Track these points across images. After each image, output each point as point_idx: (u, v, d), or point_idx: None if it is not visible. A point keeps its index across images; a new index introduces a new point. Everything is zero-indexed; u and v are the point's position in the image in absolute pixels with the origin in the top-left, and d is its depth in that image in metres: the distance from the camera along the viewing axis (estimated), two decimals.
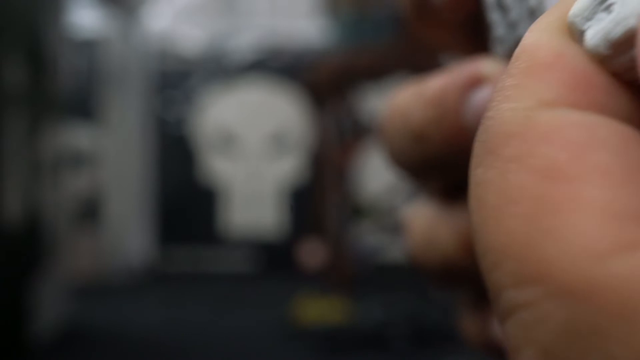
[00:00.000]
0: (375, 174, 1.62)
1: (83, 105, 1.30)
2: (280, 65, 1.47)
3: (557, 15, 0.16)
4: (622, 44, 0.15)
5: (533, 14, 0.19)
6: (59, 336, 0.80)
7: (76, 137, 1.25)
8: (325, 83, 1.35)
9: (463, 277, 0.21)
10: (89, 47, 1.31)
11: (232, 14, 1.54)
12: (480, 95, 0.20)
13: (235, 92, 1.44)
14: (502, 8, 0.20)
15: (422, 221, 0.23)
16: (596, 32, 0.15)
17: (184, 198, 1.43)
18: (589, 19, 0.15)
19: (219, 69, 1.44)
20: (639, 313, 0.11)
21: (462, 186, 0.22)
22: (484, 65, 0.20)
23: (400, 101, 0.22)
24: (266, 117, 1.45)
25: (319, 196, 1.67)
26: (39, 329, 0.74)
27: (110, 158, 1.32)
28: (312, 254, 1.69)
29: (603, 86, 0.15)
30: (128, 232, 1.37)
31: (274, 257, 1.45)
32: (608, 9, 0.15)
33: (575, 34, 0.15)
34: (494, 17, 0.20)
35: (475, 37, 0.22)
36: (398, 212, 1.63)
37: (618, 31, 0.15)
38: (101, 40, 1.32)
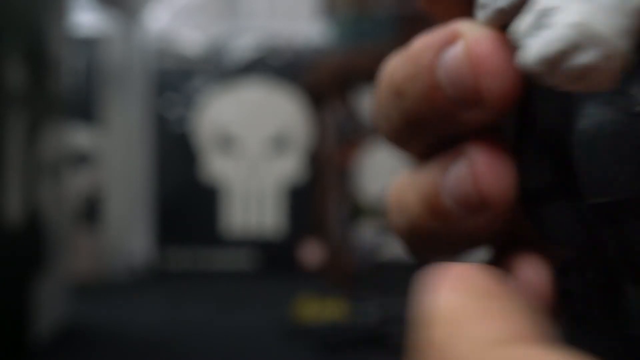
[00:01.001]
0: (375, 174, 1.62)
1: (83, 105, 1.30)
2: (280, 66, 1.47)
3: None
4: (553, 62, 0.16)
5: None
6: (59, 335, 0.81)
7: (76, 137, 1.25)
8: (325, 83, 1.35)
9: (429, 241, 0.22)
10: (89, 47, 1.31)
11: (233, 14, 1.54)
12: (453, 51, 0.21)
13: (235, 92, 1.44)
14: None
15: (396, 187, 0.24)
16: (531, 50, 0.16)
17: (184, 198, 1.43)
18: (527, 35, 0.16)
19: (219, 69, 1.44)
20: None
21: (433, 149, 0.22)
22: (461, 25, 0.21)
23: (391, 62, 0.23)
24: (266, 117, 1.45)
25: (319, 196, 1.67)
26: (39, 328, 0.74)
27: (110, 158, 1.32)
28: (312, 253, 1.69)
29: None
30: (128, 232, 1.38)
31: (274, 257, 1.45)
32: (544, 26, 0.16)
33: (515, 46, 0.16)
34: None
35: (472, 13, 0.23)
36: None
37: (551, 50, 0.16)
38: (101, 40, 1.32)
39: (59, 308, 0.83)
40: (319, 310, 0.89)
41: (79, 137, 1.29)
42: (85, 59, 1.31)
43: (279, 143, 1.42)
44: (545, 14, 0.16)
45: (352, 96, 1.43)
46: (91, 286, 1.16)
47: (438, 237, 0.22)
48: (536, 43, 0.16)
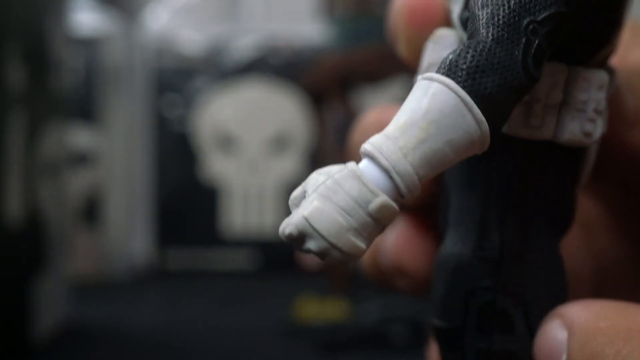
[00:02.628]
0: None
1: (83, 105, 1.31)
2: (280, 65, 1.47)
3: None
4: (293, 240, 0.20)
5: None
6: (59, 335, 0.81)
7: (76, 137, 1.25)
8: (325, 83, 1.35)
9: (380, 282, 0.27)
10: (89, 46, 1.31)
11: (233, 13, 1.54)
12: (385, 243, 0.26)
13: (236, 92, 1.44)
14: None
15: None
16: (283, 225, 0.20)
17: (184, 198, 1.43)
18: (292, 206, 0.21)
19: (219, 69, 1.44)
20: None
21: None
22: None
23: (364, 123, 0.27)
24: (266, 117, 1.45)
25: None
26: (39, 328, 0.74)
27: (110, 158, 1.32)
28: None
29: None
30: (128, 232, 1.38)
31: (274, 257, 1.45)
32: (298, 205, 0.20)
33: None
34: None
35: None
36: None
37: (289, 231, 0.20)
38: (101, 39, 1.32)
39: (59, 308, 0.84)
40: (319, 310, 0.90)
41: (79, 137, 1.29)
42: (85, 59, 1.31)
43: (279, 143, 1.42)
44: (304, 195, 0.20)
45: (352, 96, 1.43)
46: (91, 286, 1.16)
47: (383, 283, 0.25)
48: (286, 220, 0.20)
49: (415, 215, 0.26)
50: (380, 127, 0.24)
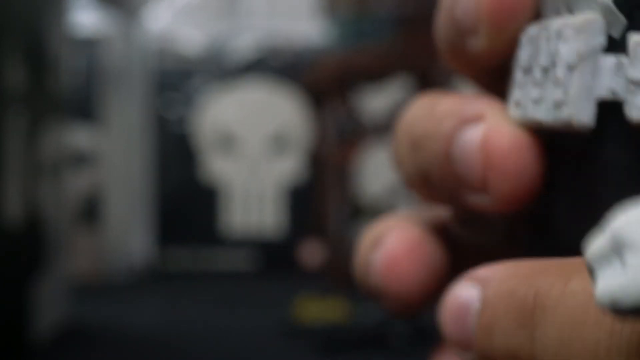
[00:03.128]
0: (375, 174, 1.62)
1: (83, 105, 1.31)
2: (280, 65, 1.47)
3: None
4: (627, 310, 0.14)
5: (558, 106, 0.18)
6: (59, 335, 0.81)
7: (76, 137, 1.25)
8: (325, 83, 1.35)
9: (370, 297, 0.23)
10: (89, 47, 1.31)
11: (232, 13, 1.54)
12: (471, 133, 0.20)
13: (235, 92, 1.44)
14: (529, 76, 0.20)
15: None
16: (603, 293, 0.14)
17: (184, 198, 1.43)
18: (600, 265, 0.15)
19: (219, 69, 1.44)
20: None
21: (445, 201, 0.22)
22: (490, 108, 0.20)
23: (414, 108, 0.22)
24: (266, 117, 1.45)
25: (319, 196, 1.67)
26: (39, 328, 0.74)
27: (110, 158, 1.32)
28: (312, 254, 1.69)
29: None
30: (128, 232, 1.38)
31: (274, 257, 1.45)
32: (622, 264, 0.14)
33: (590, 272, 0.15)
34: (518, 78, 0.20)
35: (501, 84, 0.22)
36: (398, 212, 1.61)
37: (630, 302, 0.14)
38: (101, 40, 1.32)
39: (58, 308, 0.83)
40: (319, 310, 0.90)
41: (79, 137, 1.29)
42: (85, 59, 1.31)
43: (279, 143, 1.42)
44: (621, 245, 0.14)
45: (352, 96, 1.43)
46: (91, 286, 1.16)
47: (373, 299, 0.22)
48: (611, 288, 0.14)
49: (417, 226, 0.23)
50: (432, 115, 0.22)
